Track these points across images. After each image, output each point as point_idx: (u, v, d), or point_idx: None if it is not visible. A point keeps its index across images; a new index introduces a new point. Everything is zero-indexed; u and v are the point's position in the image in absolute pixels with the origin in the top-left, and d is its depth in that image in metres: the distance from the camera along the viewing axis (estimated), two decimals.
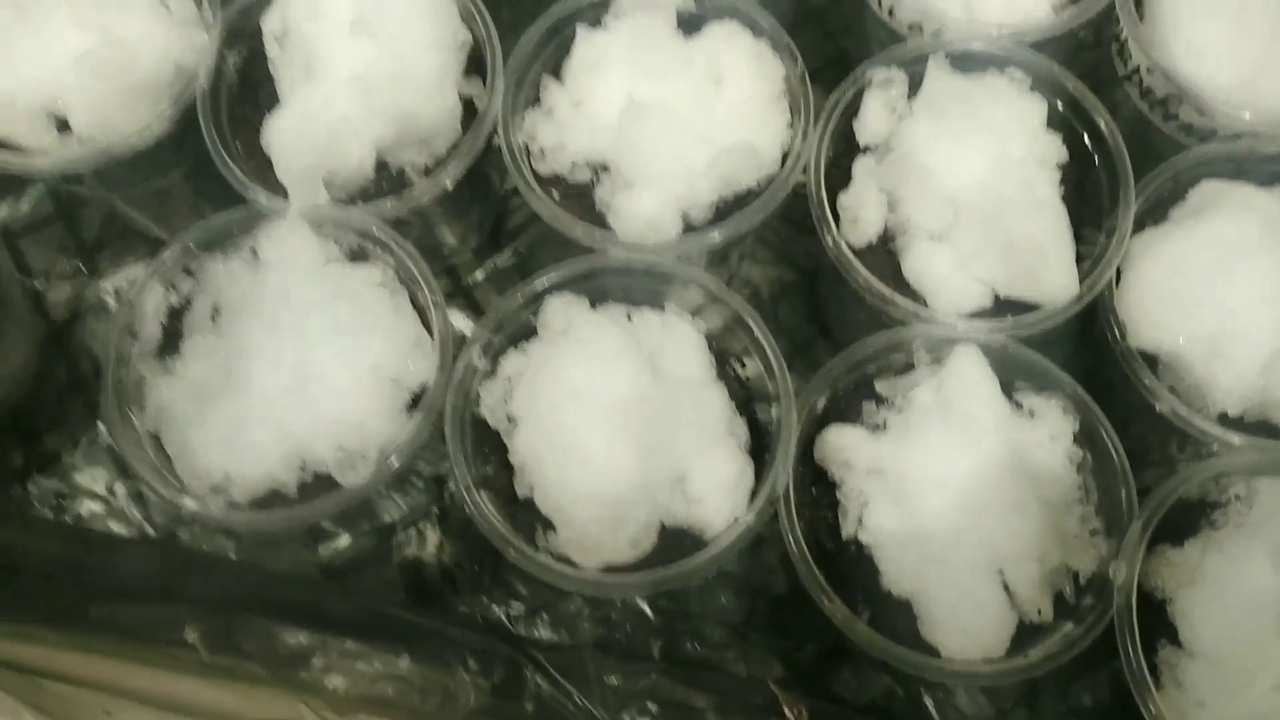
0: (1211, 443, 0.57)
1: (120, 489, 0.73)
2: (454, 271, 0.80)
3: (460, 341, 0.59)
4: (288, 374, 0.56)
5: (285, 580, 0.66)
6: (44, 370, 0.75)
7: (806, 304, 0.77)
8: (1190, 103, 0.63)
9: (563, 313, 0.58)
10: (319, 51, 0.62)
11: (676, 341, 0.58)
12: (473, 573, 0.69)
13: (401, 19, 0.62)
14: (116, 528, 0.71)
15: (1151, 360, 0.58)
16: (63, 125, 0.65)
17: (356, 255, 0.62)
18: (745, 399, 0.60)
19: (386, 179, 0.65)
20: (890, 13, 0.67)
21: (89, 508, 0.72)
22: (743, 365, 0.60)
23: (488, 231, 0.81)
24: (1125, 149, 0.60)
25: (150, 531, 0.71)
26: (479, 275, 0.80)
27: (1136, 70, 0.66)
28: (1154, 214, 0.62)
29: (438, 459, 0.67)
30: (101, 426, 0.72)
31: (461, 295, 0.80)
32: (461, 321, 0.79)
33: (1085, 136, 0.62)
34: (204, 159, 0.65)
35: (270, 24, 0.65)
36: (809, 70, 0.64)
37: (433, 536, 0.71)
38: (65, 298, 0.80)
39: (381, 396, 0.56)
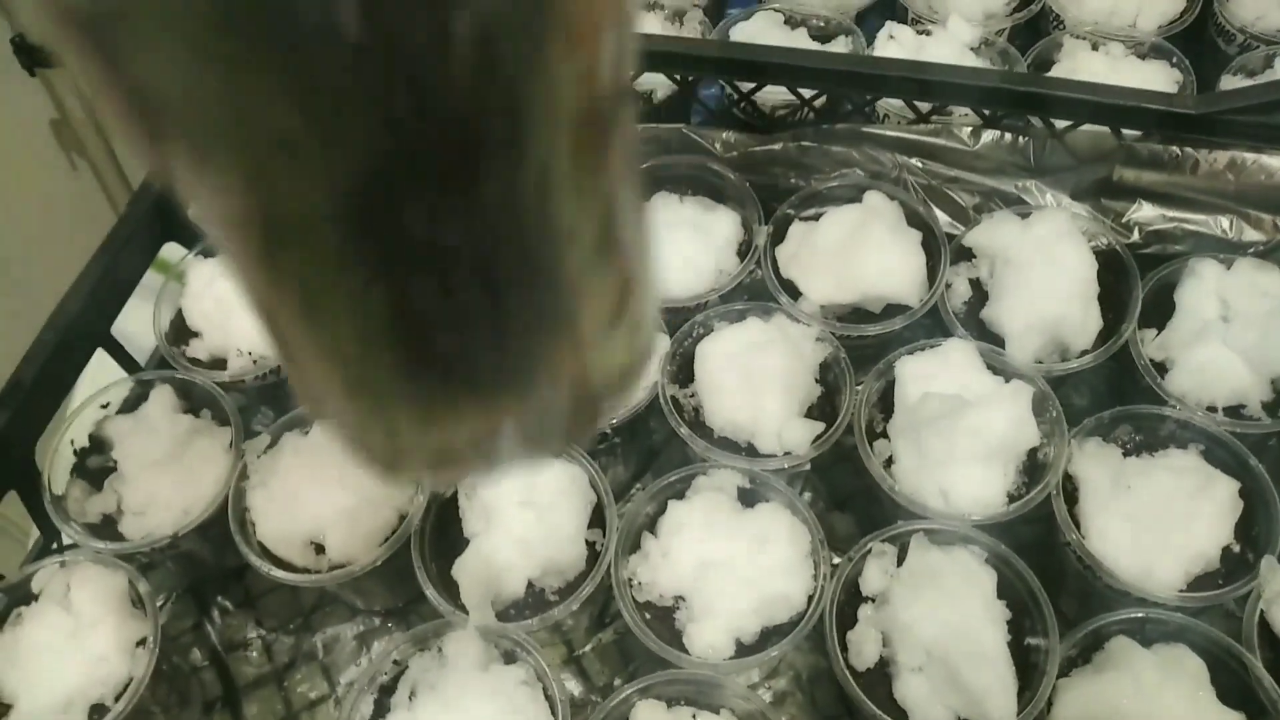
0: None
1: None
2: (570, 644, 1.07)
3: None
4: None
5: None
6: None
7: (835, 687, 1.00)
8: (1105, 575, 0.88)
9: (649, 713, 0.84)
10: (495, 511, 0.93)
11: None
12: None
13: (553, 495, 0.93)
14: None
15: None
16: (319, 549, 0.97)
17: (509, 656, 0.89)
18: None
19: (531, 596, 0.93)
20: (891, 493, 0.95)
21: None
22: None
23: (596, 615, 1.08)
24: (1054, 614, 0.84)
25: None
26: (588, 648, 1.07)
27: (1069, 543, 0.91)
28: (1083, 656, 0.85)
29: None
30: None
31: (574, 663, 1.07)
32: (574, 684, 1.05)
33: (1027, 602, 0.87)
34: (403, 566, 0.95)
35: (464, 487, 0.97)
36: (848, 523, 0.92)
37: None
38: (286, 648, 1.09)
39: None
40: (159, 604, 1.02)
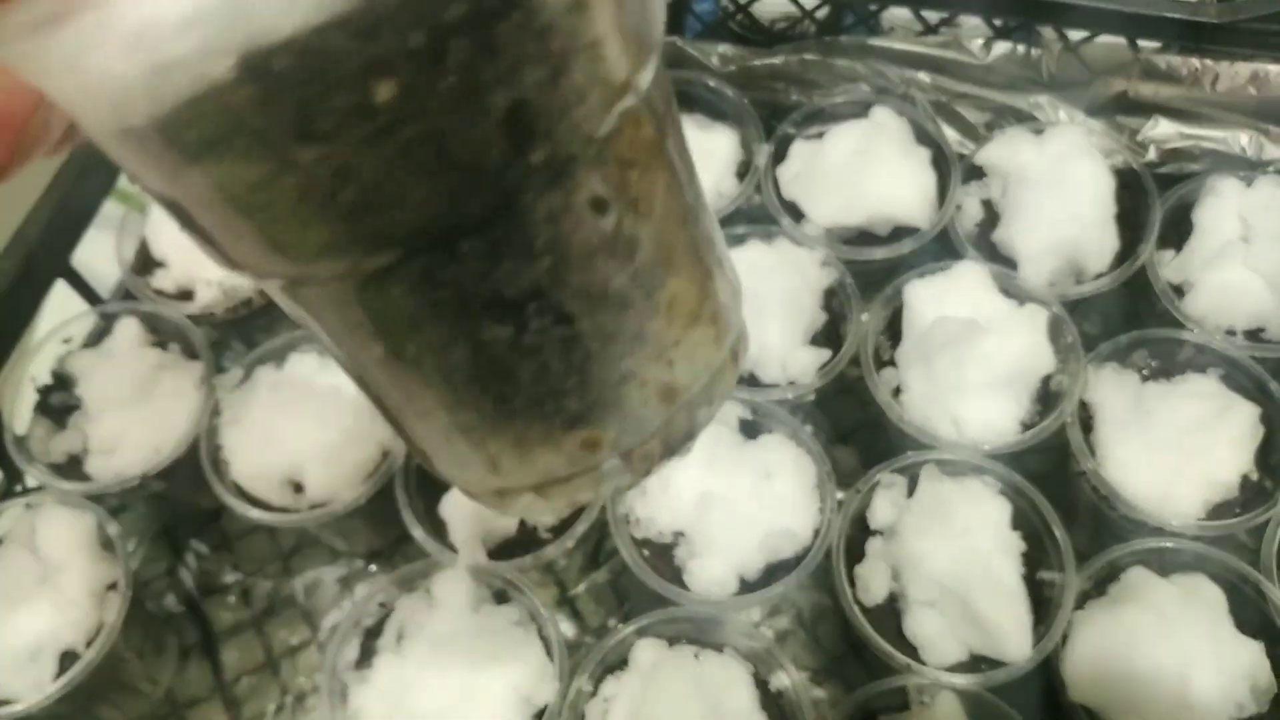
0: None
1: None
2: (563, 583, 1.03)
3: (575, 667, 0.81)
4: (451, 691, 0.78)
5: None
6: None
7: (838, 624, 0.97)
8: (1122, 504, 0.84)
9: (649, 653, 0.80)
10: None
11: (731, 680, 0.78)
12: None
13: None
14: None
15: (1091, 710, 0.77)
16: (298, 488, 0.92)
17: (500, 596, 0.85)
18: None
19: (523, 533, 0.89)
20: (899, 423, 0.91)
21: None
22: (782, 696, 0.81)
23: (589, 553, 1.04)
24: (1070, 544, 0.81)
25: None
26: (581, 587, 1.03)
27: (1084, 472, 0.88)
28: (1098, 588, 0.82)
29: None
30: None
31: (568, 604, 1.03)
32: (567, 625, 1.01)
33: (1041, 533, 0.83)
34: (388, 505, 0.91)
35: None
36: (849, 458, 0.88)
37: None
38: (266, 592, 1.05)
39: (515, 711, 0.78)
40: (130, 548, 0.97)
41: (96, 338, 1.00)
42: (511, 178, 0.28)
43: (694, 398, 0.38)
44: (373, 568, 1.03)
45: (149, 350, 0.98)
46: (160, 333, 1.00)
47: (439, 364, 0.33)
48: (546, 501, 0.39)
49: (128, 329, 0.99)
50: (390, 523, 0.98)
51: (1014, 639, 0.78)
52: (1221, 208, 0.96)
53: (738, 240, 0.99)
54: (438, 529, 0.88)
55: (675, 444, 0.39)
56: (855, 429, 1.04)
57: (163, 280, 1.04)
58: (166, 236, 1.04)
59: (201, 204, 0.29)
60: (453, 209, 0.28)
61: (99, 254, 1.08)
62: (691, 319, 0.36)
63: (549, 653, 0.81)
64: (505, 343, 0.32)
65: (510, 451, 0.36)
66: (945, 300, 0.92)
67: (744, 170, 1.06)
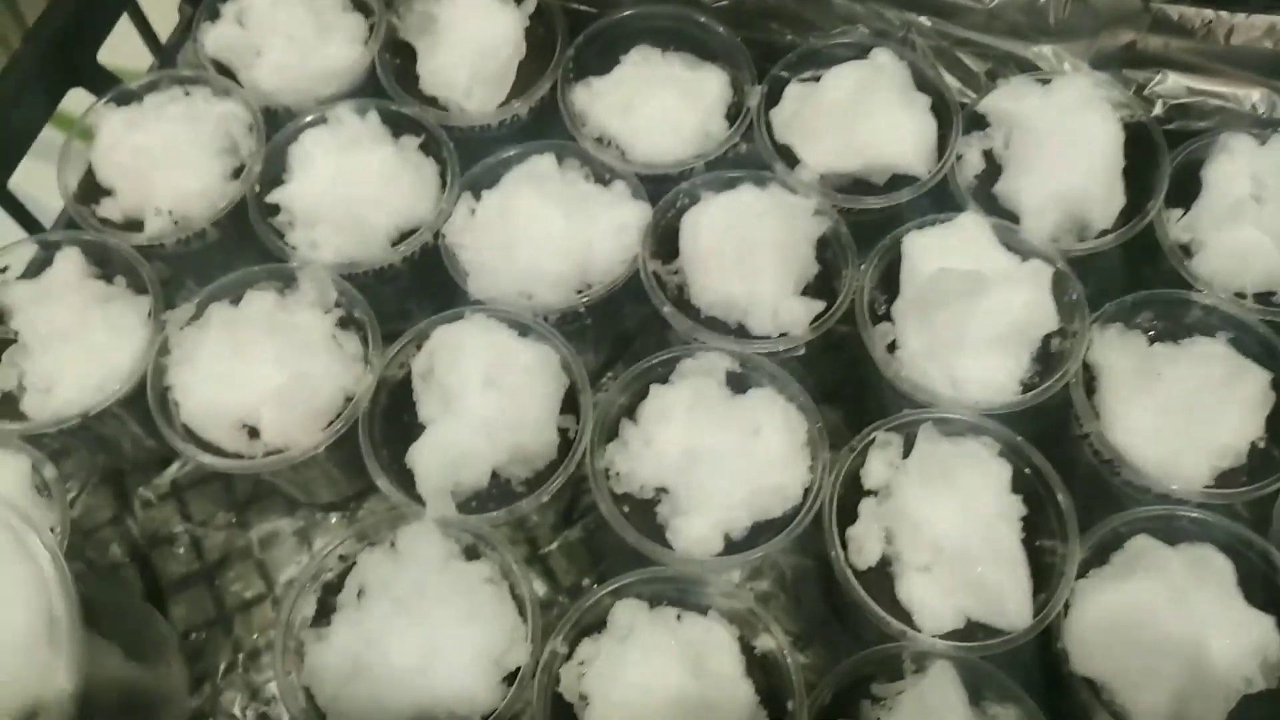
0: None
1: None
2: (534, 541, 0.98)
3: (548, 628, 0.76)
4: (416, 651, 0.72)
5: None
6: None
7: (820, 588, 0.93)
8: (1127, 469, 0.81)
9: (628, 615, 0.75)
10: (455, 395, 0.82)
11: (715, 644, 0.74)
12: None
13: (522, 375, 0.83)
14: None
15: (1091, 681, 0.73)
16: (254, 433, 0.85)
17: (471, 552, 0.80)
18: (768, 685, 0.75)
19: (496, 487, 0.83)
20: (894, 380, 0.86)
21: None
22: (767, 660, 0.76)
23: (563, 510, 0.99)
24: (1074, 510, 0.77)
25: None
26: (554, 546, 0.98)
27: (1087, 435, 0.84)
28: (1099, 556, 0.78)
29: None
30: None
31: (539, 562, 0.98)
32: (538, 585, 0.96)
33: (1043, 497, 0.79)
34: (350, 454, 0.85)
35: (418, 366, 0.86)
36: (835, 417, 0.83)
37: None
38: (218, 543, 0.98)
39: (485, 673, 0.72)
40: (70, 494, 0.91)
41: (36, 268, 0.92)
42: None
43: None
44: (333, 519, 0.97)
45: (92, 282, 0.91)
46: (105, 264, 0.93)
47: None
48: None
49: (69, 259, 0.91)
50: (352, 473, 0.93)
51: (1014, 606, 0.74)
52: (1233, 166, 0.92)
53: (730, 184, 0.93)
54: (404, 480, 0.82)
55: None
56: (840, 388, 1.00)
57: (109, 209, 0.96)
58: (115, 162, 0.96)
59: None
60: None
61: (39, 185, 1.00)
62: None
63: (522, 612, 0.76)
64: None
65: None
66: (945, 253, 0.87)
67: (734, 112, 1.00)
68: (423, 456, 0.81)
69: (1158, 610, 0.72)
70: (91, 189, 0.98)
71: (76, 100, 1.03)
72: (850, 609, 0.85)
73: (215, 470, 0.87)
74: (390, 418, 0.86)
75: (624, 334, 1.05)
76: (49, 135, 1.00)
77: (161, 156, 0.94)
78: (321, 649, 0.74)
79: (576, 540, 0.98)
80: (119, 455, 0.97)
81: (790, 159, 0.96)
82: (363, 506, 0.98)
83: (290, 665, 0.75)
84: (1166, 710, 0.70)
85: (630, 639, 0.73)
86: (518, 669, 0.73)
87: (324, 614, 0.77)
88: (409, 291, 0.98)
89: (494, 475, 0.83)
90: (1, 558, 0.60)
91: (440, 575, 0.76)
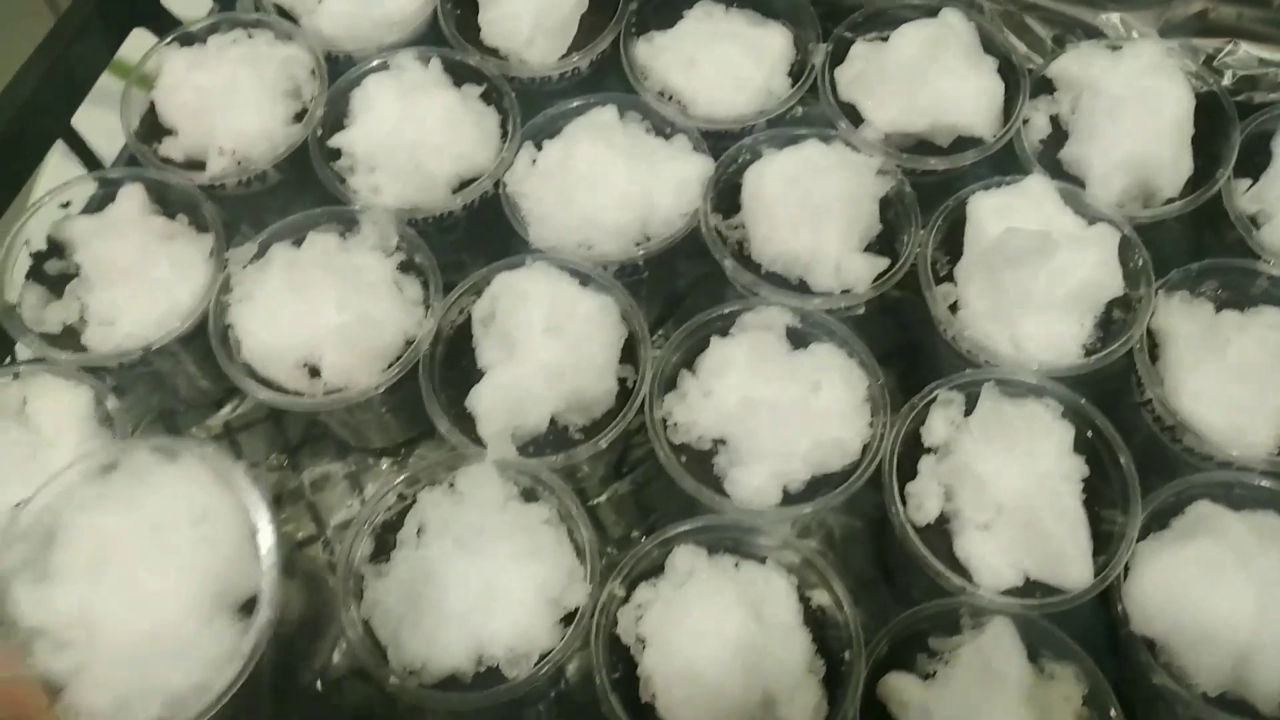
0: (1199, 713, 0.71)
1: None
2: (583, 493, 0.98)
3: (604, 570, 0.76)
4: (475, 588, 0.73)
5: None
6: None
7: (869, 548, 0.93)
8: (1189, 436, 0.80)
9: (688, 560, 0.75)
10: (517, 341, 0.82)
11: (774, 593, 0.74)
12: None
13: (583, 323, 0.83)
14: None
15: (1150, 642, 0.73)
16: (314, 373, 0.86)
17: (529, 495, 0.80)
18: (824, 637, 0.75)
19: (554, 433, 0.84)
20: (954, 340, 0.86)
21: None
22: (824, 613, 0.76)
23: (613, 463, 0.99)
24: (1136, 472, 0.77)
25: None
26: (603, 498, 0.98)
27: (1149, 401, 0.83)
28: (1159, 521, 0.78)
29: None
30: None
31: (588, 513, 0.97)
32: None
33: (1105, 459, 0.79)
34: (405, 400, 0.85)
35: (479, 312, 0.86)
36: (888, 381, 0.83)
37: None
38: (270, 484, 0.99)
39: (544, 613, 0.73)
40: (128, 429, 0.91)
41: (98, 204, 0.93)
42: None
43: None
44: (384, 464, 0.98)
45: (155, 219, 0.91)
46: (167, 203, 0.93)
47: None
48: None
49: (132, 196, 0.91)
50: (405, 419, 0.93)
51: (1076, 566, 0.74)
52: None
53: (793, 140, 0.93)
54: (462, 425, 0.82)
55: None
56: (893, 352, 0.99)
57: (171, 148, 0.97)
58: (178, 102, 0.96)
59: None
60: None
61: (101, 128, 1.00)
62: None
63: (580, 555, 0.77)
64: None
65: None
66: (1011, 215, 0.86)
67: (797, 70, 1.00)
68: (484, 399, 0.81)
69: (1219, 574, 0.72)
70: (153, 129, 0.98)
71: (138, 42, 1.03)
72: (902, 569, 0.86)
73: (274, 407, 0.87)
74: (449, 363, 0.86)
75: (676, 294, 1.05)
76: (106, 83, 1.00)
77: (224, 97, 0.95)
78: (382, 585, 0.75)
79: (626, 493, 0.98)
80: (173, 396, 0.98)
81: (854, 118, 0.95)
82: (413, 453, 0.99)
83: (349, 601, 0.75)
84: (1227, 672, 0.70)
85: (689, 584, 0.73)
86: (576, 610, 0.74)
87: (382, 551, 0.78)
88: (466, 241, 0.98)
89: (552, 422, 0.83)
90: (209, 487, 0.70)
91: (500, 515, 0.76)
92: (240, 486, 0.70)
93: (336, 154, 0.95)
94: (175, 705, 0.63)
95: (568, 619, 0.74)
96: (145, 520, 0.67)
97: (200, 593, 0.65)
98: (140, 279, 0.88)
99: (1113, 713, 0.70)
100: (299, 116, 0.97)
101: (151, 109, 0.99)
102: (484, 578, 0.73)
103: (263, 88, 0.96)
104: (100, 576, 0.65)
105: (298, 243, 0.89)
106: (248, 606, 0.68)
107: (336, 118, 0.97)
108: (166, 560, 0.66)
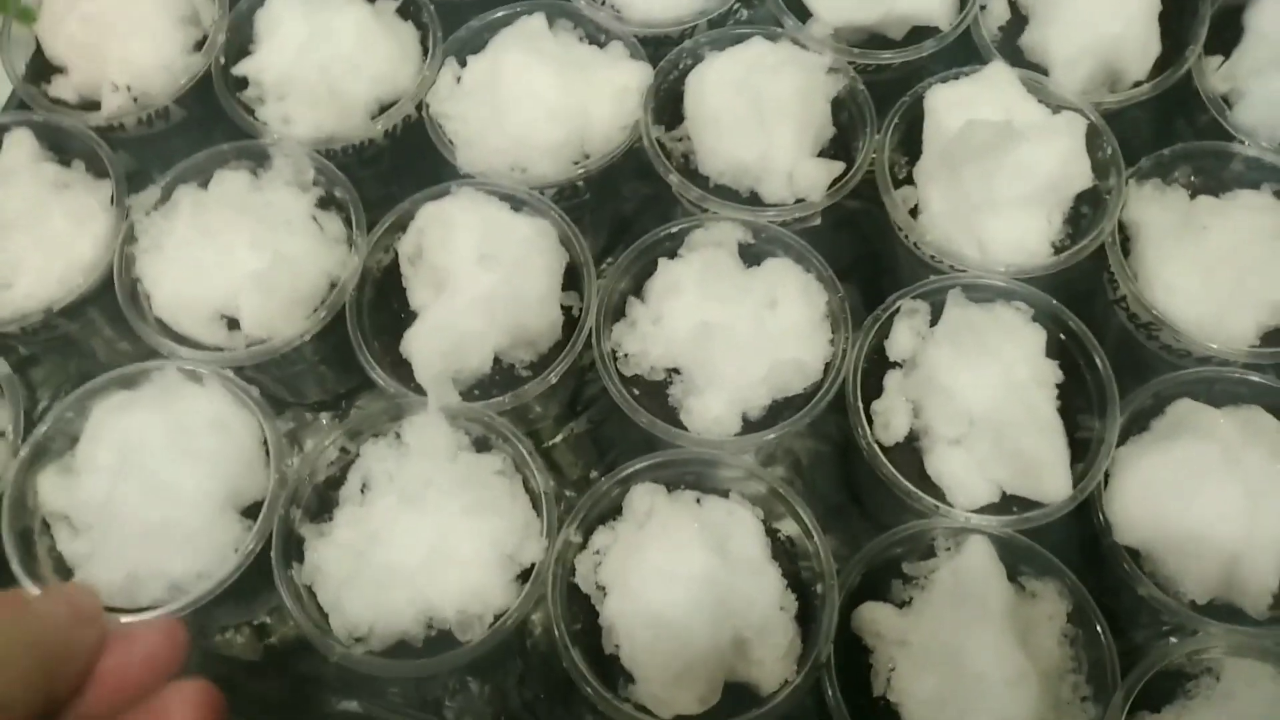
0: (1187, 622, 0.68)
1: None
2: (537, 435, 0.93)
3: (561, 518, 0.72)
4: (423, 546, 0.68)
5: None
6: None
7: (837, 473, 0.89)
8: (1166, 331, 0.76)
9: (646, 499, 0.71)
10: (449, 275, 0.76)
11: (739, 527, 0.70)
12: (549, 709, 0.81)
13: (518, 251, 0.77)
14: None
15: (1134, 552, 0.70)
16: (233, 325, 0.79)
17: (481, 444, 0.75)
18: (794, 570, 0.72)
19: (499, 372, 0.78)
20: (916, 246, 0.81)
21: None
22: (793, 544, 0.72)
23: (567, 401, 0.94)
24: (1113, 375, 0.73)
25: None
26: (558, 439, 0.93)
27: (1123, 298, 0.79)
28: (1138, 424, 0.74)
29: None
30: None
31: (543, 456, 0.92)
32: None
33: (1080, 362, 0.75)
34: (338, 348, 0.79)
35: (406, 248, 0.80)
36: (848, 296, 0.78)
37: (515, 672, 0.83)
38: None
39: (497, 569, 0.68)
40: (41, 404, 0.85)
41: None
42: None
43: None
44: (324, 419, 0.92)
45: (47, 166, 0.84)
46: (61, 149, 0.86)
47: None
48: None
49: (19, 142, 0.84)
50: (341, 369, 0.87)
51: (1052, 477, 0.70)
52: (1277, 10, 0.85)
53: (737, 39, 0.86)
54: (399, 372, 0.77)
55: None
56: (853, 265, 0.94)
57: (62, 88, 0.88)
58: (64, 34, 0.88)
59: None
60: None
61: None
62: None
63: (536, 507, 0.72)
64: None
65: None
66: (972, 107, 0.81)
67: None
68: (419, 343, 0.75)
69: (1205, 474, 0.68)
70: (41, 68, 0.90)
71: None
72: (872, 491, 0.82)
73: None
74: (379, 307, 0.81)
75: (623, 218, 0.98)
76: None
77: (115, 26, 0.86)
78: (323, 545, 0.70)
79: (582, 433, 0.93)
80: (92, 361, 0.91)
81: (801, 14, 0.88)
82: (354, 405, 0.93)
83: (288, 563, 0.70)
84: (1216, 577, 0.67)
85: (648, 524, 0.69)
86: (532, 566, 0.69)
87: (325, 509, 0.73)
88: (392, 171, 0.91)
89: (496, 361, 0.77)
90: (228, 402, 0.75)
91: (449, 467, 0.71)
92: (255, 406, 0.75)
93: (243, 83, 0.88)
94: (177, 589, 0.69)
95: (524, 575, 0.69)
96: (167, 423, 0.71)
97: (211, 490, 0.70)
98: (35, 233, 0.80)
99: (1098, 629, 0.67)
100: (199, 45, 0.89)
101: (38, 47, 0.90)
102: (433, 535, 0.69)
103: (157, 14, 0.88)
104: (121, 470, 0.69)
105: (205, 183, 0.82)
106: (252, 512, 0.72)
107: (240, 44, 0.89)
108: (183, 458, 0.70)
